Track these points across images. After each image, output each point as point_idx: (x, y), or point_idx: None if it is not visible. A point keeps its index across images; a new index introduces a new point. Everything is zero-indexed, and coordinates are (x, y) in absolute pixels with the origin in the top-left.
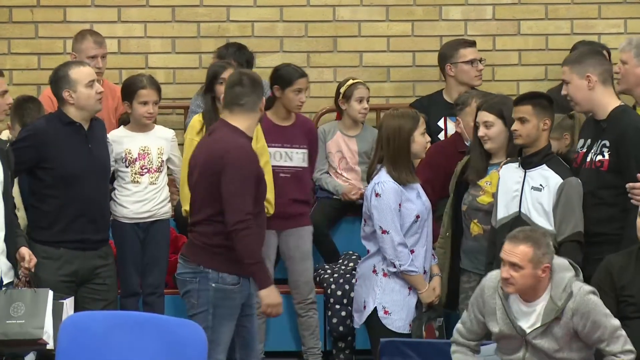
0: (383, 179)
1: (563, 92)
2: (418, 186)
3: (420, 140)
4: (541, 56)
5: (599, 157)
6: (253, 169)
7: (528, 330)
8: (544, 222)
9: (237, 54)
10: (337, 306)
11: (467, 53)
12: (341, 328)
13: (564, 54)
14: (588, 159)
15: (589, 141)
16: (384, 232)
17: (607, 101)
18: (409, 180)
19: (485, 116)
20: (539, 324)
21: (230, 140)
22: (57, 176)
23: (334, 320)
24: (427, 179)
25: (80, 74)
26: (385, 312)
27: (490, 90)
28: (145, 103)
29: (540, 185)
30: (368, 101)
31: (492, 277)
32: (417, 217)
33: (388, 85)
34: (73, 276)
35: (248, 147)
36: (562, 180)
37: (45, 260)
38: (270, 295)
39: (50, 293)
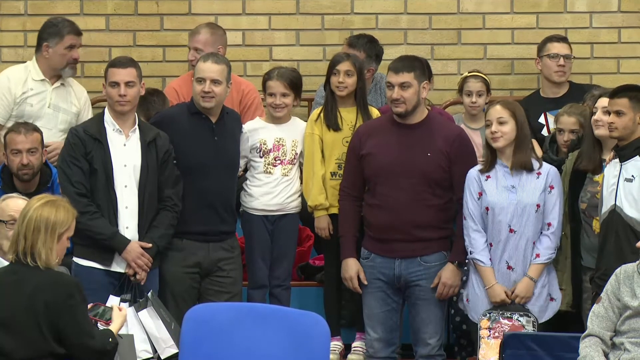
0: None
1: None
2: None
3: None
4: None
5: None
6: (351, 146)
7: None
8: (635, 213)
9: (367, 45)
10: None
11: (552, 47)
12: (464, 326)
13: None
14: None
15: None
16: (464, 217)
17: None
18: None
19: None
20: None
21: None
22: (181, 166)
23: (457, 319)
24: None
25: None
26: (467, 301)
27: (615, 83)
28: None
29: (632, 176)
30: (482, 95)
31: (625, 266)
32: (486, 209)
33: (512, 78)
34: (196, 267)
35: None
36: None
37: (170, 251)
38: (342, 268)
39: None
